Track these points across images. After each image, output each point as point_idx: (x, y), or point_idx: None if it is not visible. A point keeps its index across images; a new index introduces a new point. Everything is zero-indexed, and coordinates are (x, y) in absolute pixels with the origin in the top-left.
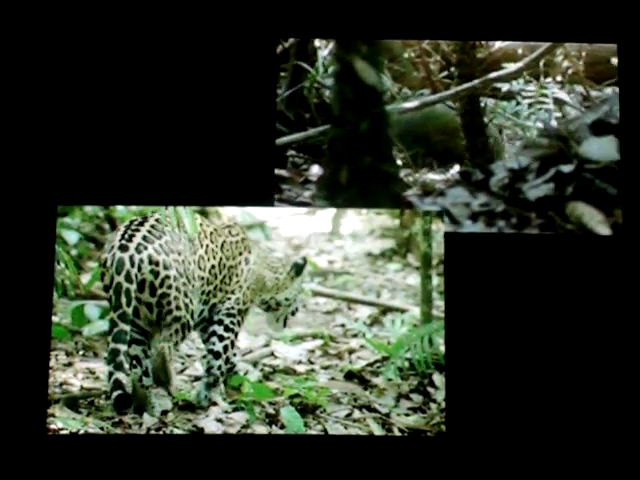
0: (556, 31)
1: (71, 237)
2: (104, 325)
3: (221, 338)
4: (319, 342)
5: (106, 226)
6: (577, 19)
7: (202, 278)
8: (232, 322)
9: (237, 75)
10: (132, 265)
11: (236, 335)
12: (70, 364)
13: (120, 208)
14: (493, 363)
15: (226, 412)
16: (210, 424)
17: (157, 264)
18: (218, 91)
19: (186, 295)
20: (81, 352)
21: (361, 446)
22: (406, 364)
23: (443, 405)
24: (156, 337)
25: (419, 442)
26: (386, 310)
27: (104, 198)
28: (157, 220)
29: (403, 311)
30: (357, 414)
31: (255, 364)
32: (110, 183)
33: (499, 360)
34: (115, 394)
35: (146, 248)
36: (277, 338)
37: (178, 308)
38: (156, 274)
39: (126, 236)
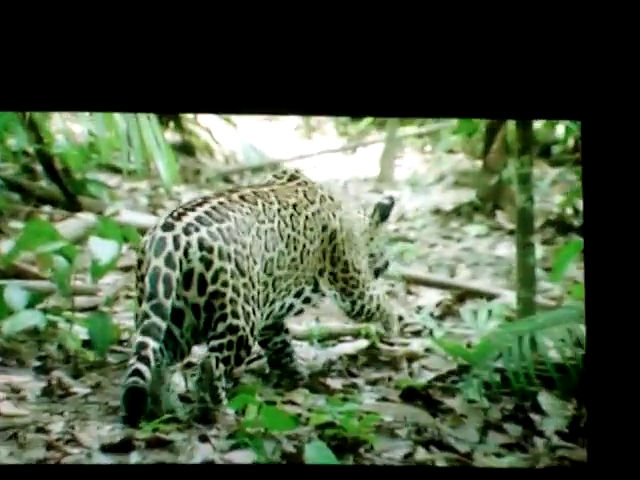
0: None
1: None
2: (33, 317)
3: (370, 298)
4: (363, 343)
5: (38, 168)
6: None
7: (280, 277)
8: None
9: None
10: (176, 247)
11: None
12: None
13: (61, 142)
14: None
15: (221, 451)
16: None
17: (210, 250)
18: None
19: (247, 301)
20: None
21: None
22: (496, 378)
23: (554, 441)
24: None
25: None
26: (464, 295)
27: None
28: (221, 203)
29: (490, 297)
30: (422, 454)
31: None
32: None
33: None
34: (130, 382)
35: (197, 230)
36: (299, 337)
37: (235, 315)
38: (208, 264)
39: (175, 214)
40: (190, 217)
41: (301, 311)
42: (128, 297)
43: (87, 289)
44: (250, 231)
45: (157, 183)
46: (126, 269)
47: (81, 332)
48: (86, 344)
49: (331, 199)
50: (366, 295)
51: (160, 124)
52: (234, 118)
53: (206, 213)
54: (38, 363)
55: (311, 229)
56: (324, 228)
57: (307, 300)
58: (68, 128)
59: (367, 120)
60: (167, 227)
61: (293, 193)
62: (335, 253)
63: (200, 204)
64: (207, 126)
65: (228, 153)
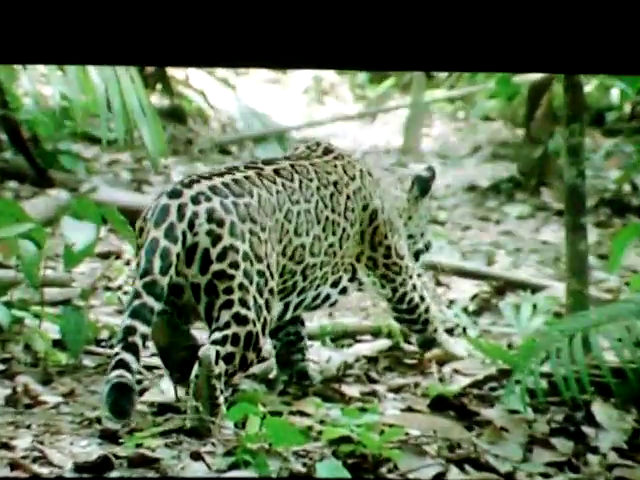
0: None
1: None
2: None
3: (413, 287)
4: (384, 343)
5: (3, 136)
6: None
7: (314, 265)
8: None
9: None
10: (180, 218)
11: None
12: None
13: (29, 106)
14: None
15: (217, 471)
16: None
17: (220, 224)
18: None
19: (261, 292)
20: None
21: None
22: (542, 384)
23: (611, 458)
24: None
25: None
26: (504, 287)
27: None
28: (247, 177)
29: (535, 289)
30: (455, 474)
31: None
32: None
33: None
34: (114, 376)
35: (209, 200)
36: (310, 336)
37: (244, 304)
38: (215, 239)
39: (186, 181)
40: (203, 185)
41: (334, 303)
42: (107, 289)
43: (59, 279)
44: (275, 213)
45: (142, 155)
46: (105, 256)
47: (52, 330)
48: (57, 344)
49: (370, 175)
50: (409, 283)
51: (145, 86)
52: (232, 79)
53: (224, 184)
54: (1, 367)
55: (352, 210)
56: (364, 208)
57: (344, 290)
58: (37, 90)
59: (389, 81)
60: (174, 194)
61: (333, 169)
62: (376, 237)
63: (221, 174)
64: (201, 88)
65: (225, 120)
